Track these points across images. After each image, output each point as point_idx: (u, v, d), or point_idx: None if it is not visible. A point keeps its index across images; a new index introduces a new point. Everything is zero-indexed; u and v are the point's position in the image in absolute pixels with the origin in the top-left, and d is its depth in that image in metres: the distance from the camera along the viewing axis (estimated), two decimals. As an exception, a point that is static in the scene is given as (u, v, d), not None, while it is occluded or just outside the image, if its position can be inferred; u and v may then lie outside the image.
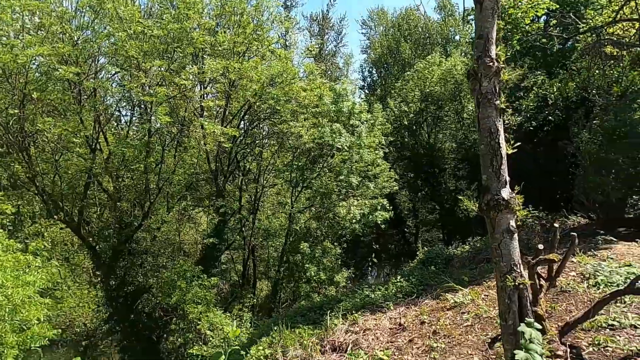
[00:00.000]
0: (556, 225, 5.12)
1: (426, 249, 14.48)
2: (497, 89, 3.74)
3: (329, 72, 43.05)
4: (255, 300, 17.94)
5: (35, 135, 11.97)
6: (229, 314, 15.43)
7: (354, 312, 7.47)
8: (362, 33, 47.33)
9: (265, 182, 21.63)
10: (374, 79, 38.44)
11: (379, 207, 18.13)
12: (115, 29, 12.13)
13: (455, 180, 30.82)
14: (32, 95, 10.93)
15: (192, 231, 18.92)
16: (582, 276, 6.64)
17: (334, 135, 16.67)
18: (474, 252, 11.62)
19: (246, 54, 15.86)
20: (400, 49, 37.02)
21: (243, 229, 20.56)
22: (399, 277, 8.93)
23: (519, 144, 4.00)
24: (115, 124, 19.86)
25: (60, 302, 23.30)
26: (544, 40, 19.14)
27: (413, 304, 7.65)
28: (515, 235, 3.71)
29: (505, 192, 3.61)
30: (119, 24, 12.32)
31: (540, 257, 4.59)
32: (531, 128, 17.37)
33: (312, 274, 17.10)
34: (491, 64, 3.77)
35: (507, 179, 3.65)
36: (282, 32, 33.36)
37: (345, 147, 17.32)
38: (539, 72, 19.88)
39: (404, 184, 31.92)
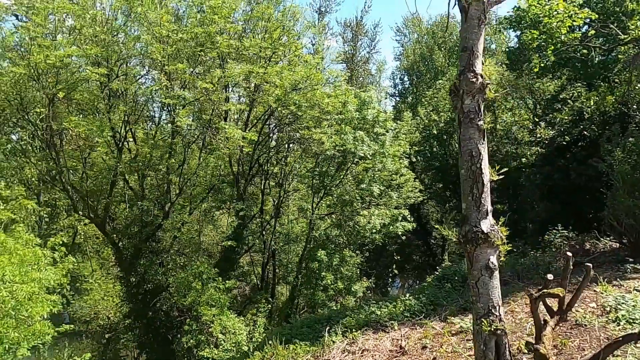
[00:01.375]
0: (569, 253, 4.66)
1: (447, 263, 13.91)
2: (481, 107, 3.36)
3: (361, 78, 42.76)
4: (270, 306, 17.74)
5: (62, 134, 12.24)
6: (242, 318, 15.33)
7: (354, 330, 7.14)
8: (396, 40, 46.68)
9: (288, 186, 21.53)
10: (406, 86, 37.85)
11: (400, 218, 17.63)
12: (143, 32, 12.30)
13: (484, 193, 29.79)
14: (58, 95, 11.18)
15: (214, 232, 19.00)
16: (602, 309, 6.07)
17: (356, 143, 16.36)
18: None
19: (272, 59, 15.81)
20: (433, 56, 36.29)
21: (264, 232, 20.50)
22: (407, 295, 8.51)
23: (501, 166, 3.58)
24: (148, 123, 20.19)
25: (86, 295, 23.99)
26: (584, 51, 18.22)
27: (419, 325, 7.24)
28: (496, 274, 3.30)
29: (486, 224, 3.22)
30: (147, 27, 12.48)
31: (544, 291, 4.16)
32: (564, 143, 16.50)
33: (329, 282, 16.80)
34: (474, 79, 3.34)
35: (489, 208, 3.26)
36: (313, 38, 33.29)
37: (368, 155, 16.97)
38: (578, 85, 18.93)
39: (431, 194, 31.15)
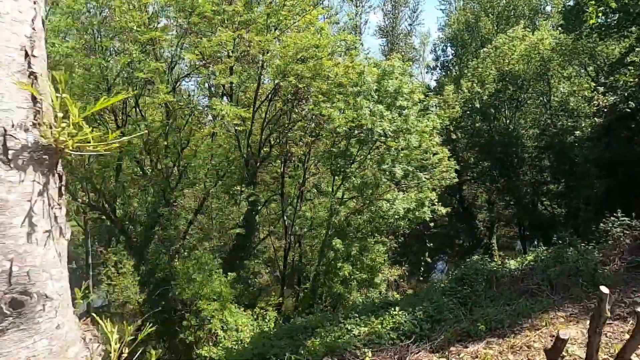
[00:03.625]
0: (605, 290, 2.50)
1: (475, 257, 11.48)
2: None
3: (402, 52, 39.59)
4: (279, 299, 16.18)
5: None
6: (249, 312, 13.90)
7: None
8: (441, 10, 42.87)
9: (313, 168, 19.79)
10: (449, 58, 34.40)
11: (426, 203, 15.26)
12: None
13: (536, 172, 26.32)
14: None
15: (224, 219, 17.58)
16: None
17: (374, 118, 14.12)
18: (526, 270, 8.61)
19: (279, 28, 13.84)
20: (479, 23, 32.56)
21: (286, 217, 18.93)
22: (397, 309, 6.44)
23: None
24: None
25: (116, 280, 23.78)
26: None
27: (399, 356, 5.22)
28: None
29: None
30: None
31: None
32: (628, 110, 13.30)
33: (347, 274, 14.88)
34: None
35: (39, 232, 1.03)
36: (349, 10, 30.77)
37: (389, 132, 14.69)
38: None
39: (476, 173, 28.10)
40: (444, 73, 34.42)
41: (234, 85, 14.07)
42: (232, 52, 11.60)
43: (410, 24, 41.13)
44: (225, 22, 12.21)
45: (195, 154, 13.44)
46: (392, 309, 6.41)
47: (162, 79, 10.94)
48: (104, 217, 27.99)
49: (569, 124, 23.88)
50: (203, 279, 13.15)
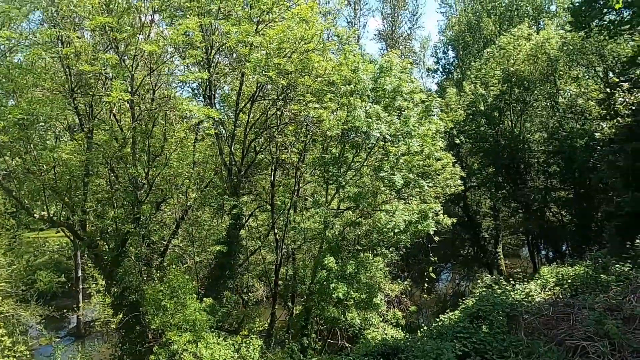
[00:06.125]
0: None
1: (485, 279, 9.55)
2: None
3: (402, 56, 37.87)
4: (265, 324, 14.23)
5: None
6: (230, 342, 11.94)
7: None
8: (441, 12, 41.19)
9: (304, 175, 17.88)
10: (450, 60, 32.61)
11: (430, 214, 13.33)
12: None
13: (544, 178, 24.35)
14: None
15: (203, 234, 15.64)
16: None
17: (369, 121, 12.24)
18: (560, 306, 6.66)
19: (262, 20, 12.01)
20: (481, 24, 30.80)
21: (276, 230, 17.04)
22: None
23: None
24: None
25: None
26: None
27: None
28: None
29: None
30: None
31: None
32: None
33: (341, 295, 12.92)
34: None
35: None
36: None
37: (387, 136, 12.81)
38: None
39: (481, 180, 26.14)
40: (445, 76, 32.60)
41: (225, 86, 12.27)
42: (201, 43, 9.79)
43: (410, 27, 39.45)
44: (197, 9, 10.40)
45: (167, 162, 11.53)
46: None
47: (117, 73, 9.12)
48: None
49: (578, 126, 22.05)
50: (175, 305, 11.25)
